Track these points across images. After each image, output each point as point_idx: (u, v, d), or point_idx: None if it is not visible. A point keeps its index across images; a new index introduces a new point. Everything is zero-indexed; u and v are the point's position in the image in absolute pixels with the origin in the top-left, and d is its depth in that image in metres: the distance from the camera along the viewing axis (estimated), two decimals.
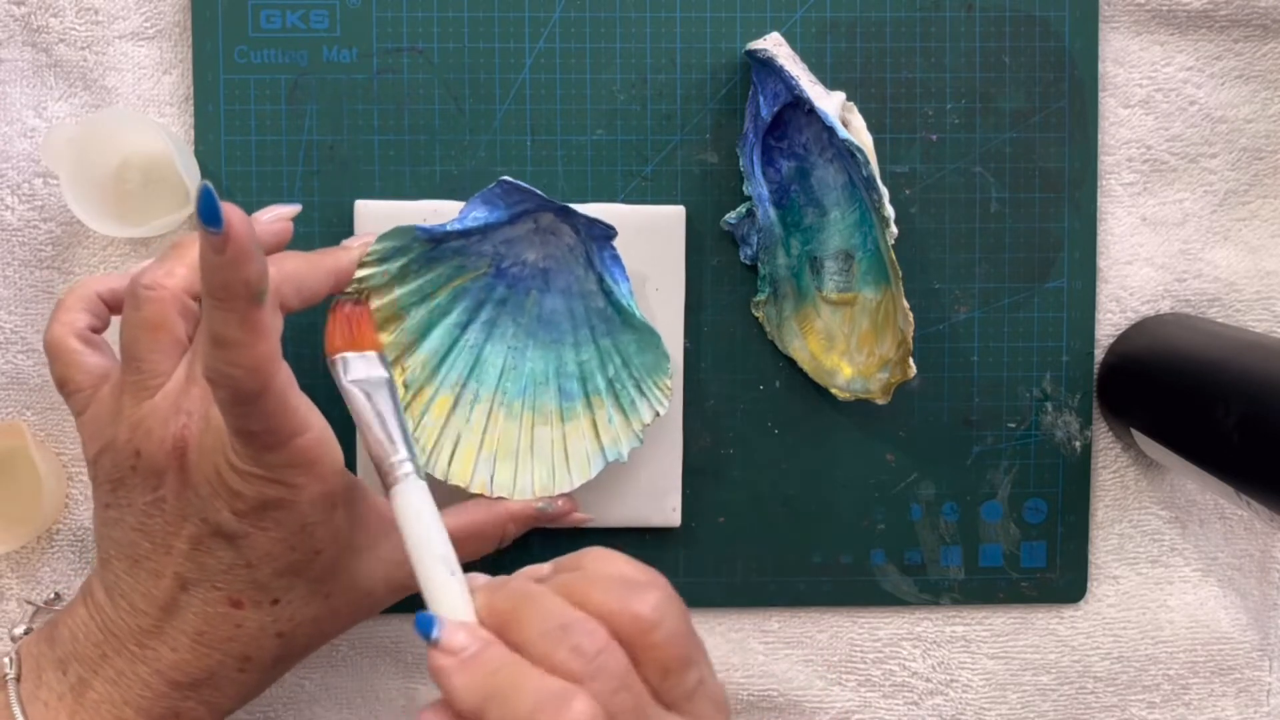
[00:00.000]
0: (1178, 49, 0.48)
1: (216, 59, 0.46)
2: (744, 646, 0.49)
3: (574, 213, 0.42)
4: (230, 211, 0.29)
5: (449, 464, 0.43)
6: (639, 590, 0.31)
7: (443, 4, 0.46)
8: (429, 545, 0.33)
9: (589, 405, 0.44)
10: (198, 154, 0.46)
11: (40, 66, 0.46)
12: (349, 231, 0.46)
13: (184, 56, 0.46)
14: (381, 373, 0.38)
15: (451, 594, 0.33)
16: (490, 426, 0.44)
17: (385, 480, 0.35)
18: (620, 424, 0.44)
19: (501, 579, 0.34)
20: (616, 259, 0.42)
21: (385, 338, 0.42)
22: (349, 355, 0.38)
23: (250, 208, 0.46)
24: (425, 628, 0.31)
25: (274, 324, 0.33)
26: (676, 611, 0.31)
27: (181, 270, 0.36)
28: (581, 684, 0.29)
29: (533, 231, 0.43)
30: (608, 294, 0.43)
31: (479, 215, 0.42)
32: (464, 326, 0.44)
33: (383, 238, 0.41)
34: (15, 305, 0.46)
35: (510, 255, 0.44)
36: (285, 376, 0.33)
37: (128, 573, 0.36)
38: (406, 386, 0.43)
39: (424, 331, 0.43)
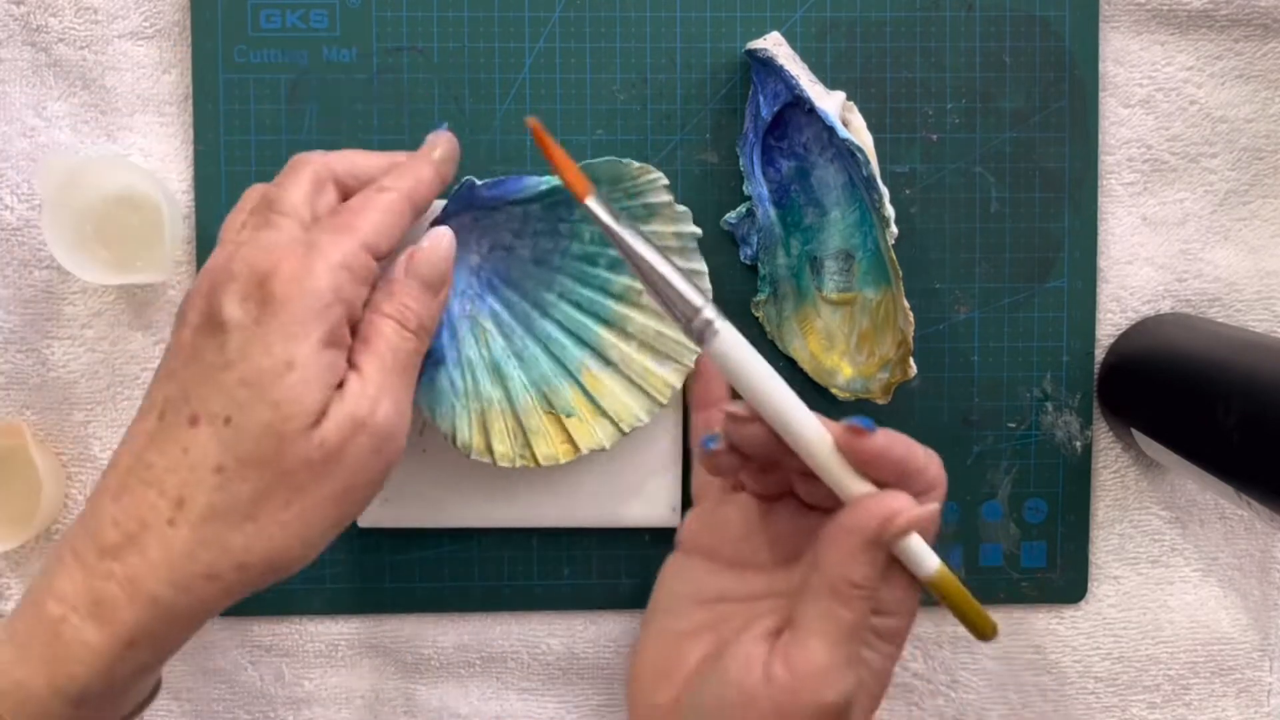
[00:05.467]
0: (1178, 49, 0.48)
1: (216, 58, 0.46)
2: None
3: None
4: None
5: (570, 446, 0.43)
6: None
7: (443, 3, 0.46)
8: (800, 409, 0.34)
9: (628, 299, 0.43)
10: (197, 154, 0.46)
11: (39, 66, 0.46)
12: None
13: (183, 56, 0.46)
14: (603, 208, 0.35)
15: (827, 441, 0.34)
16: (601, 392, 0.43)
17: (694, 328, 0.34)
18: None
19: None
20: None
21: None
22: (593, 198, 0.34)
23: None
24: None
25: None
26: None
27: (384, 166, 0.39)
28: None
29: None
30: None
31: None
32: (508, 352, 0.43)
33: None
34: (15, 305, 0.46)
35: (464, 289, 0.43)
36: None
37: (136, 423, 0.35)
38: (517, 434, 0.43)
39: (488, 396, 0.43)
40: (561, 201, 0.42)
